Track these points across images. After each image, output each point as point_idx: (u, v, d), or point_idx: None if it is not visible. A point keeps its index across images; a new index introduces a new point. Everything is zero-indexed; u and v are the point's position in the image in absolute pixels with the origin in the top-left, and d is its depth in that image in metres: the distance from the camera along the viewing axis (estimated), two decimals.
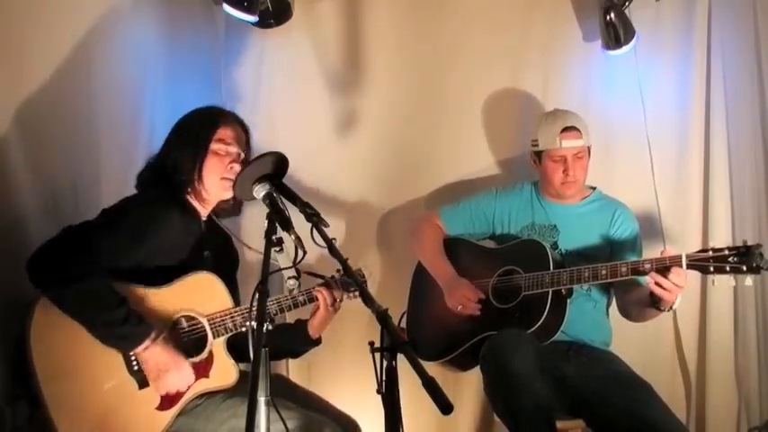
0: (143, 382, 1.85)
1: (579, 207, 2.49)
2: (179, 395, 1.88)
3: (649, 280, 2.06)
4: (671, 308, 2.14)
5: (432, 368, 2.43)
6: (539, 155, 2.46)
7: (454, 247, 2.56)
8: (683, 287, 2.05)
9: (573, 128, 2.39)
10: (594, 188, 2.55)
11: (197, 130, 2.02)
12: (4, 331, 1.86)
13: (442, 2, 2.91)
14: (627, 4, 2.70)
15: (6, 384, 1.83)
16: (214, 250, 2.07)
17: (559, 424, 2.16)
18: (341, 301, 2.09)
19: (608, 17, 2.68)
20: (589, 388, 2.17)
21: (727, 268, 1.98)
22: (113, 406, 1.81)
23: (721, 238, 2.77)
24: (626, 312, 2.38)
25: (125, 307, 1.78)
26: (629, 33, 2.71)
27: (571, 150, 2.39)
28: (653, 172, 2.86)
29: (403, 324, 2.62)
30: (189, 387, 1.89)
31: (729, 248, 2.00)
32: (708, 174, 2.83)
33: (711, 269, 2.00)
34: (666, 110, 2.87)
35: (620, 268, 2.14)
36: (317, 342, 2.18)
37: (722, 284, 2.73)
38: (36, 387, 1.72)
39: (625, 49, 2.73)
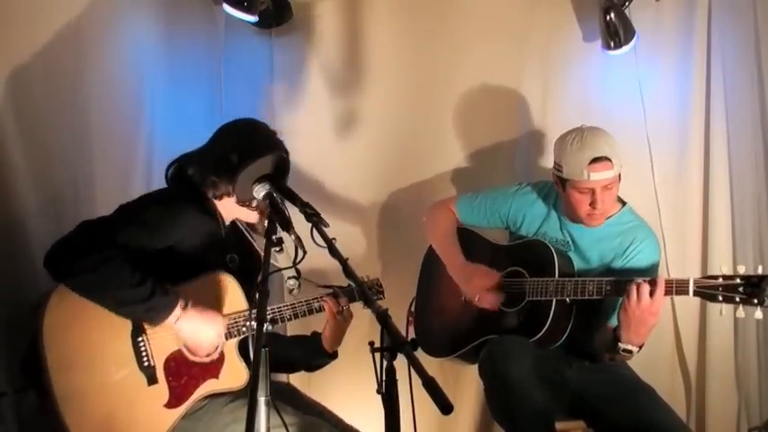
0: (152, 378, 1.85)
1: (600, 229, 2.27)
2: (188, 393, 1.88)
3: (625, 296, 1.98)
4: (627, 351, 2.06)
5: (432, 368, 2.42)
6: (562, 180, 2.22)
7: (465, 239, 2.51)
8: (654, 311, 1.96)
9: (604, 158, 2.11)
10: (625, 203, 2.33)
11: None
12: (5, 329, 1.87)
13: (442, 2, 2.91)
14: (627, 4, 2.70)
15: (13, 376, 1.84)
16: (239, 254, 2.06)
17: (560, 425, 2.16)
18: (348, 308, 2.08)
19: (608, 17, 2.68)
20: (591, 391, 2.17)
21: (737, 299, 1.86)
22: (122, 401, 1.81)
23: (721, 239, 2.78)
24: (596, 356, 2.24)
25: (149, 282, 1.78)
26: (629, 33, 2.71)
27: (600, 183, 2.13)
28: (653, 172, 2.85)
29: (412, 310, 2.61)
30: (200, 384, 1.90)
31: (741, 277, 1.87)
32: (708, 173, 2.82)
33: (720, 298, 1.88)
34: (666, 110, 2.86)
35: (626, 286, 2.02)
36: (333, 356, 2.17)
37: None
38: (46, 378, 1.73)
39: (625, 49, 2.73)
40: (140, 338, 1.85)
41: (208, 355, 1.91)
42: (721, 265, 1.95)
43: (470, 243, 2.51)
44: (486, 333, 2.30)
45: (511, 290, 2.33)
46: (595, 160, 2.11)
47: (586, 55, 2.89)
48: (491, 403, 2.15)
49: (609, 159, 2.12)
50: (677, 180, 2.86)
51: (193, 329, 1.86)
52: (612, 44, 2.73)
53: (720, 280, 1.90)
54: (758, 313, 1.86)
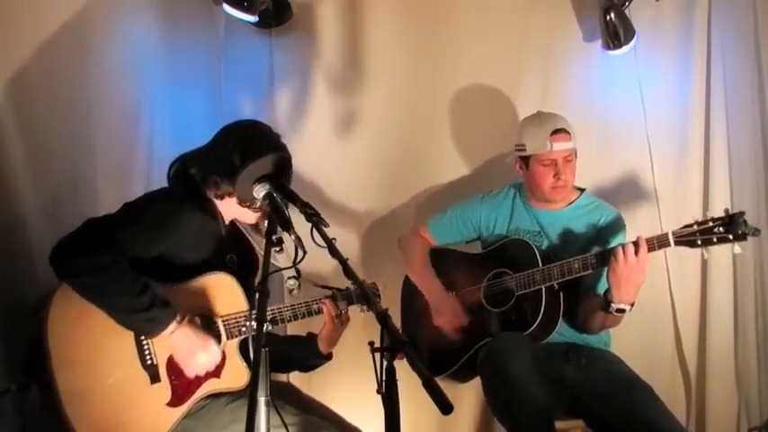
0: (155, 377, 1.86)
1: (566, 212, 2.41)
2: (190, 392, 1.89)
3: (612, 258, 2.05)
4: (620, 310, 2.11)
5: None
6: (525, 160, 2.37)
7: (441, 258, 2.56)
8: (640, 268, 2.04)
9: (562, 130, 2.31)
10: (583, 190, 2.46)
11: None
12: (5, 326, 1.87)
13: (442, 2, 2.91)
14: (627, 4, 2.70)
15: (14, 373, 1.84)
16: (238, 254, 2.06)
17: (559, 424, 2.16)
18: (347, 312, 2.08)
19: (608, 17, 2.68)
20: (588, 389, 2.17)
21: (715, 239, 1.97)
22: (124, 399, 1.81)
23: None
24: (584, 324, 2.30)
25: (150, 292, 1.78)
26: (629, 33, 2.71)
27: (562, 153, 2.30)
28: (653, 172, 2.85)
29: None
30: (202, 383, 1.90)
31: (713, 219, 1.99)
32: (708, 174, 2.83)
33: (699, 242, 2.00)
34: (666, 110, 2.87)
35: (610, 253, 2.10)
36: (328, 357, 2.17)
37: (722, 283, 2.78)
38: (50, 373, 1.73)
39: (625, 49, 2.73)
40: (143, 337, 1.85)
41: (196, 377, 1.89)
42: (694, 215, 2.04)
43: (447, 261, 2.54)
44: (480, 339, 2.31)
45: (498, 290, 2.35)
46: (556, 131, 2.31)
47: (586, 55, 2.89)
48: (491, 401, 2.16)
49: (567, 132, 2.33)
50: (677, 180, 2.86)
51: (184, 347, 1.85)
52: (612, 44, 2.73)
53: (696, 226, 2.01)
54: (737, 248, 1.97)
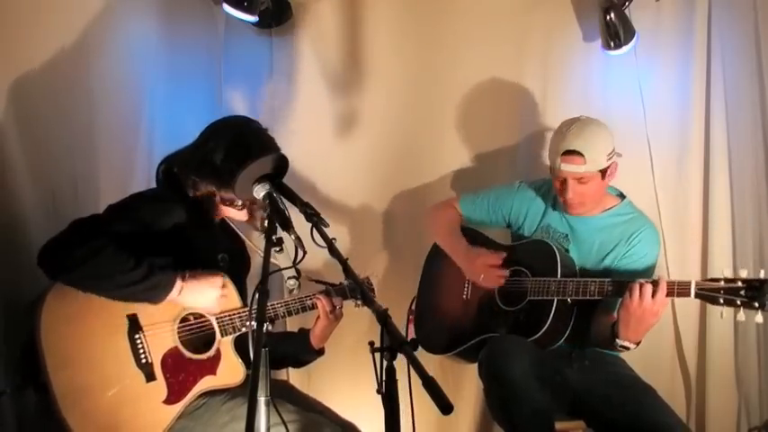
0: (150, 375, 1.86)
1: (599, 219, 2.34)
2: (186, 388, 1.89)
3: (627, 294, 1.99)
4: (624, 347, 2.09)
5: (432, 367, 2.42)
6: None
7: (467, 239, 2.52)
8: (654, 311, 1.98)
9: (575, 152, 2.17)
10: (624, 197, 2.39)
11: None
12: (4, 327, 1.87)
13: (442, 1, 2.91)
14: (627, 4, 2.69)
15: (11, 376, 1.84)
16: (230, 253, 2.06)
17: (560, 425, 2.16)
18: (341, 307, 2.08)
19: (608, 17, 2.68)
20: (591, 391, 2.17)
21: (738, 302, 1.87)
22: (121, 398, 1.81)
23: (721, 239, 2.78)
24: (593, 344, 2.27)
25: (145, 263, 1.79)
26: (629, 33, 2.71)
27: (571, 174, 2.21)
28: (653, 172, 2.85)
29: (413, 308, 2.61)
30: (198, 380, 1.91)
31: (743, 280, 1.88)
32: (708, 174, 2.82)
33: (721, 301, 1.89)
34: (666, 110, 2.86)
35: (627, 286, 2.03)
36: (320, 352, 2.17)
37: None
38: (45, 376, 1.72)
39: (625, 49, 2.73)
40: (137, 336, 1.85)
41: (192, 375, 1.91)
42: (723, 269, 1.96)
43: (475, 242, 2.51)
44: (485, 331, 2.31)
45: (512, 289, 2.33)
46: (567, 152, 2.19)
47: (586, 55, 2.89)
48: (490, 403, 2.15)
49: (581, 155, 2.18)
50: (677, 180, 2.86)
51: (199, 296, 1.88)
52: (612, 44, 2.73)
53: (722, 283, 1.92)
54: (759, 317, 1.87)
